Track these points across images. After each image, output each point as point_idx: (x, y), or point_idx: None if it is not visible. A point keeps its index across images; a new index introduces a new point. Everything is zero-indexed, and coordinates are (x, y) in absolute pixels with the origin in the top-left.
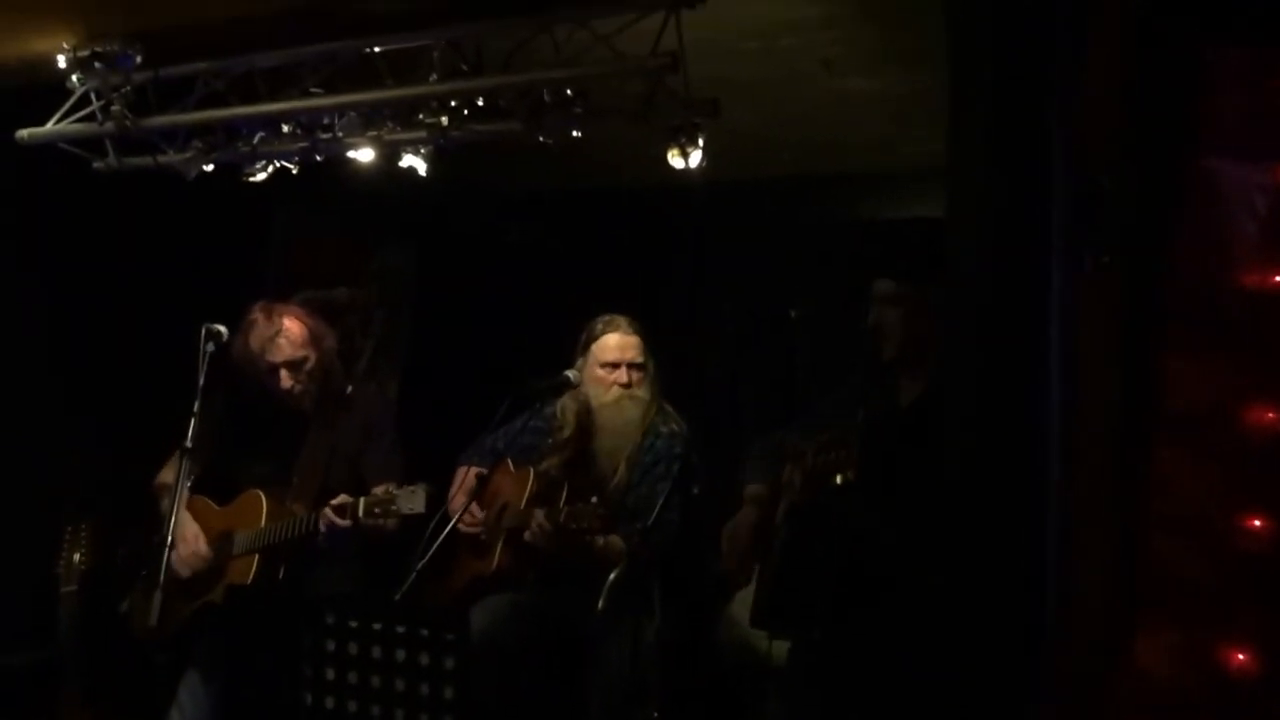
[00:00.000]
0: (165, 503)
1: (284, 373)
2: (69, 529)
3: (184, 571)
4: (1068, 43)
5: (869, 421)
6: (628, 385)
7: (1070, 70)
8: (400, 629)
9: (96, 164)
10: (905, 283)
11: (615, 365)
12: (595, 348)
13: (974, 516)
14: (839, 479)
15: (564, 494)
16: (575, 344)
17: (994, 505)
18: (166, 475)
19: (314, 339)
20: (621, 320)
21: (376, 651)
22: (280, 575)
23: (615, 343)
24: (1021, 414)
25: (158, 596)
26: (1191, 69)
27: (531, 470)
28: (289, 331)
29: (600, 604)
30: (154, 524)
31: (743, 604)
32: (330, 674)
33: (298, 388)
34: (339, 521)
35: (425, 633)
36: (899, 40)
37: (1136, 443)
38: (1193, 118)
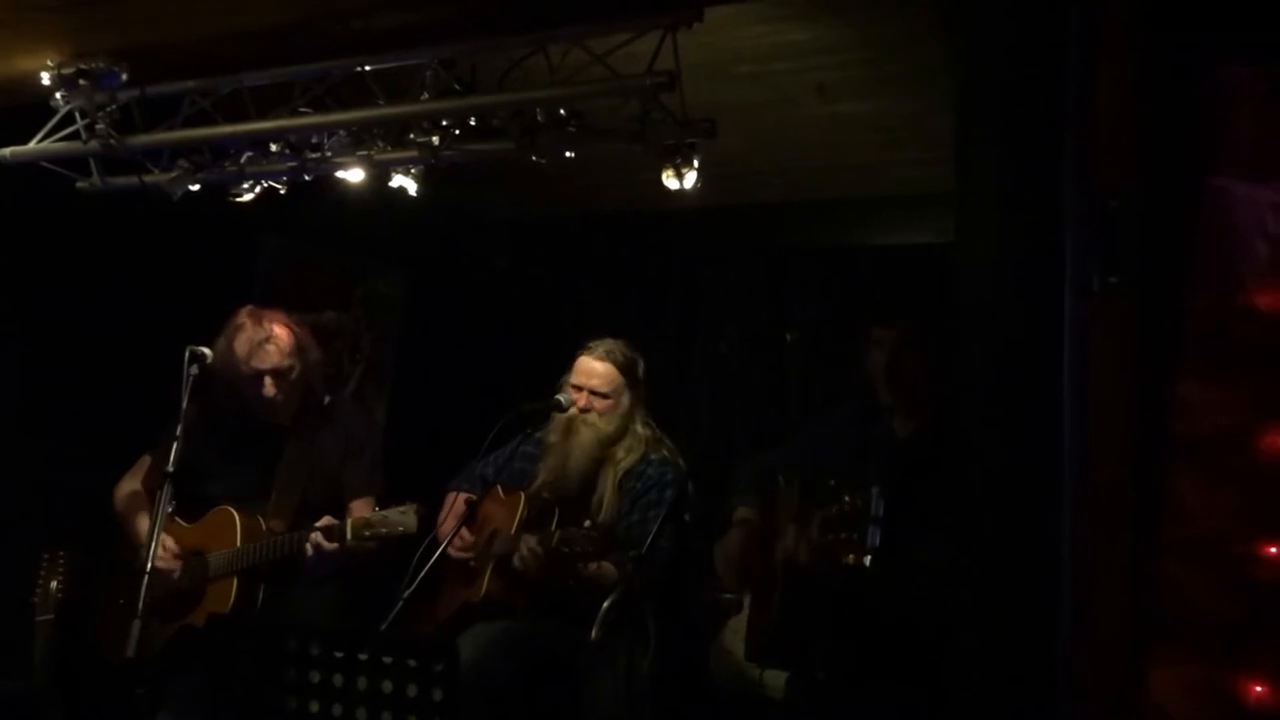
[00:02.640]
0: (137, 522)
1: (268, 381)
2: (46, 557)
3: (156, 595)
4: (1077, 64)
5: (880, 497)
6: (585, 410)
7: (1079, 91)
8: (387, 659)
9: (80, 183)
10: (900, 325)
11: (580, 389)
12: (574, 366)
13: (986, 548)
14: (850, 559)
15: (555, 519)
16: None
17: (1007, 537)
18: (128, 485)
19: (300, 349)
20: (603, 346)
21: (363, 683)
22: (259, 600)
23: (584, 367)
24: (1035, 442)
25: (136, 626)
26: (1203, 89)
27: (522, 495)
28: (277, 338)
29: (594, 632)
30: (122, 546)
31: (734, 633)
32: (315, 707)
33: (279, 398)
34: (326, 544)
35: (413, 663)
36: (892, 66)
37: (1150, 469)
38: (1204, 138)
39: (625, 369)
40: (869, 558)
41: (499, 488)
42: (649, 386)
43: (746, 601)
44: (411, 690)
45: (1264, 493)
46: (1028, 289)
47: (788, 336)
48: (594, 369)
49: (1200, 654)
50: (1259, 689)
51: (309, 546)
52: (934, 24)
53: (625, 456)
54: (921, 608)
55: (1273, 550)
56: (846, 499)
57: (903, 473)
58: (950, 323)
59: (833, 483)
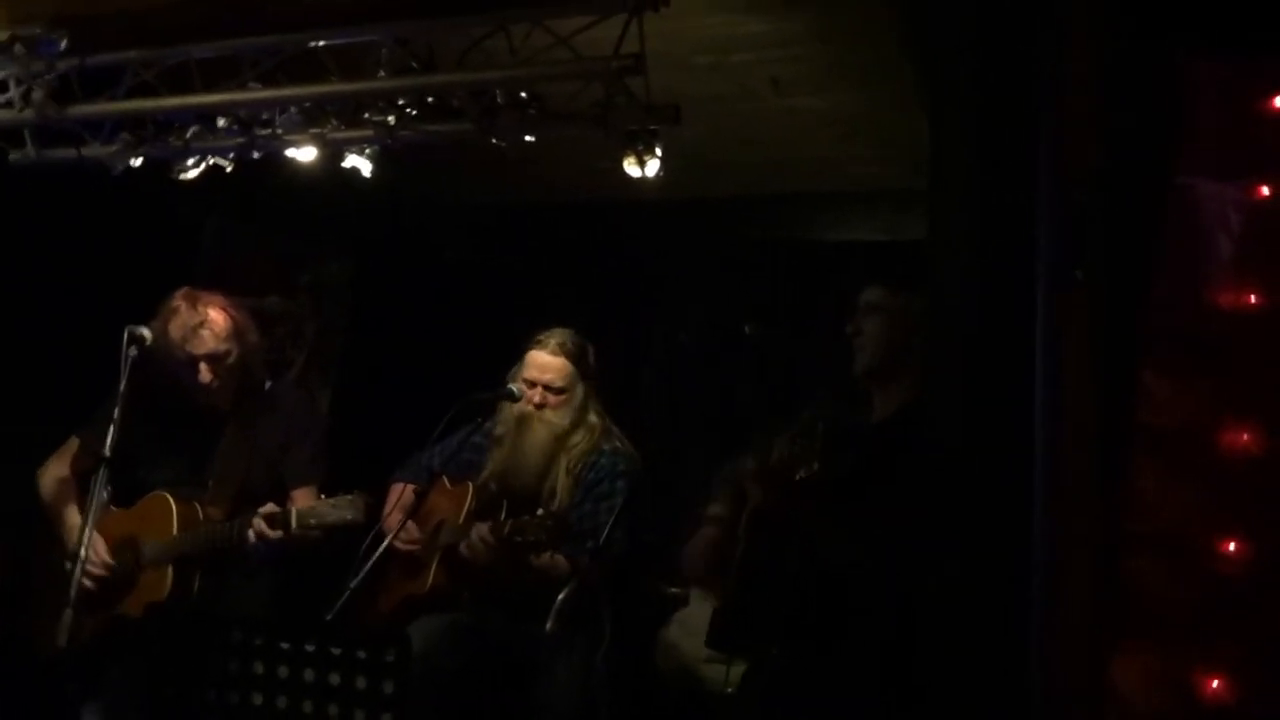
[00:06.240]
0: (66, 511)
1: (204, 366)
2: None
3: (87, 584)
4: (1047, 58)
5: (838, 430)
6: (540, 406)
7: (1050, 85)
8: (335, 650)
9: (13, 155)
10: (891, 291)
11: (533, 384)
12: (524, 361)
13: (955, 535)
14: (801, 473)
15: (504, 510)
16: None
17: (977, 524)
18: (55, 470)
19: (238, 333)
20: (554, 339)
21: (309, 675)
22: (195, 589)
23: (537, 361)
24: (1005, 432)
25: (68, 615)
26: (1171, 83)
27: (470, 485)
28: (213, 323)
29: (549, 625)
30: (49, 533)
31: (680, 626)
32: (258, 699)
33: (216, 383)
34: (269, 533)
35: (363, 655)
36: (849, 59)
37: (1113, 461)
38: (1173, 133)
39: (577, 360)
40: (817, 464)
41: (445, 479)
42: (600, 376)
43: (708, 599)
44: (361, 682)
45: (1224, 487)
46: (999, 283)
47: (746, 329)
48: (547, 363)
49: (1160, 645)
50: (1215, 682)
51: (252, 534)
52: (890, 19)
53: (579, 443)
54: (874, 545)
55: (1231, 545)
56: (804, 415)
57: (880, 453)
58: (921, 314)
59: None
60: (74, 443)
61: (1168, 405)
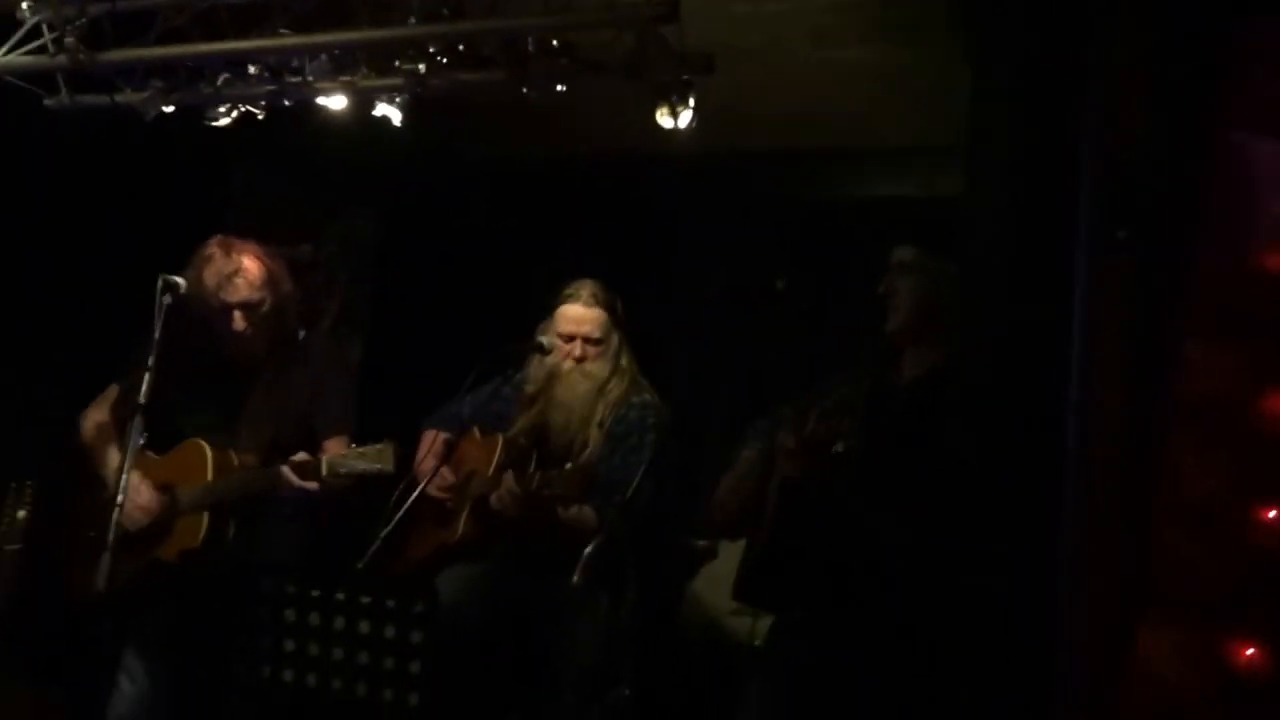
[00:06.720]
0: (106, 454)
1: (238, 314)
2: (13, 485)
3: (127, 527)
4: (1094, 15)
5: (872, 394)
6: (581, 360)
7: (1096, 43)
8: (365, 599)
9: (48, 100)
10: (925, 252)
11: (570, 337)
12: (557, 315)
13: (985, 500)
14: (840, 446)
15: (533, 462)
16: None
17: (1008, 489)
18: (96, 415)
19: (272, 281)
20: (585, 290)
21: (339, 623)
22: (230, 535)
23: (572, 314)
24: (1038, 396)
25: (106, 559)
26: (1220, 42)
27: (500, 437)
28: (247, 271)
29: (575, 578)
30: (88, 475)
31: (707, 580)
32: (290, 645)
33: (250, 331)
34: (302, 482)
35: (391, 604)
36: (891, 12)
37: (1149, 429)
38: (1221, 93)
39: (610, 309)
40: (854, 439)
41: (476, 429)
42: (628, 329)
43: (735, 547)
44: (390, 631)
45: (1262, 457)
46: (1038, 241)
47: (778, 284)
48: (583, 315)
49: (1192, 615)
50: (1249, 652)
51: (286, 482)
52: None
53: (613, 390)
54: (905, 509)
55: (1268, 515)
56: (844, 388)
57: (913, 419)
58: (953, 276)
59: (841, 389)
60: (113, 390)
61: (1206, 372)
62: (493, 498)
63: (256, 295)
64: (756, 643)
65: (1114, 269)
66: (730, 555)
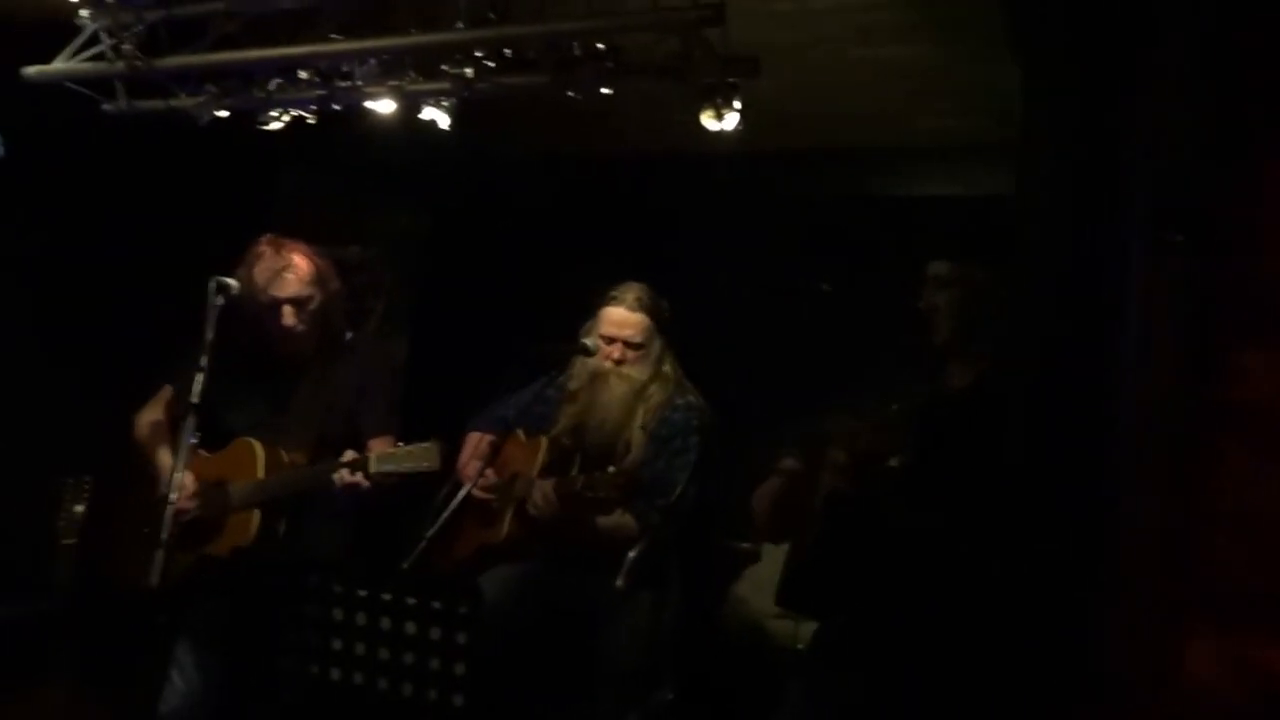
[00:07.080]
0: (159, 453)
1: (287, 309)
2: (70, 481)
3: (178, 524)
4: (1148, 13)
5: (924, 413)
6: (620, 362)
7: (1151, 40)
8: (411, 600)
9: (106, 105)
10: (960, 265)
11: (611, 340)
12: (600, 316)
13: (1032, 508)
14: (894, 461)
15: (576, 464)
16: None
17: (1055, 497)
18: (150, 414)
19: (321, 279)
20: (631, 294)
21: (385, 623)
22: (281, 532)
23: (615, 318)
24: (1087, 399)
25: (159, 555)
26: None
27: (544, 439)
28: (297, 267)
29: (619, 581)
30: (142, 473)
31: (750, 582)
32: (337, 645)
33: (299, 328)
34: (352, 479)
35: (437, 605)
36: (936, 9)
37: (1200, 436)
38: None
39: (654, 314)
40: (905, 454)
41: (520, 431)
42: (671, 330)
43: (778, 550)
44: (435, 633)
45: None
46: (1089, 242)
47: (824, 287)
48: (626, 319)
49: (1237, 625)
50: None
51: (336, 480)
52: None
53: (654, 395)
54: (952, 518)
55: None
56: (895, 407)
57: (962, 428)
58: (1004, 276)
59: (895, 407)
60: (166, 390)
61: (1259, 378)
62: (529, 503)
63: (305, 291)
64: (799, 647)
65: (1167, 273)
66: (773, 558)
